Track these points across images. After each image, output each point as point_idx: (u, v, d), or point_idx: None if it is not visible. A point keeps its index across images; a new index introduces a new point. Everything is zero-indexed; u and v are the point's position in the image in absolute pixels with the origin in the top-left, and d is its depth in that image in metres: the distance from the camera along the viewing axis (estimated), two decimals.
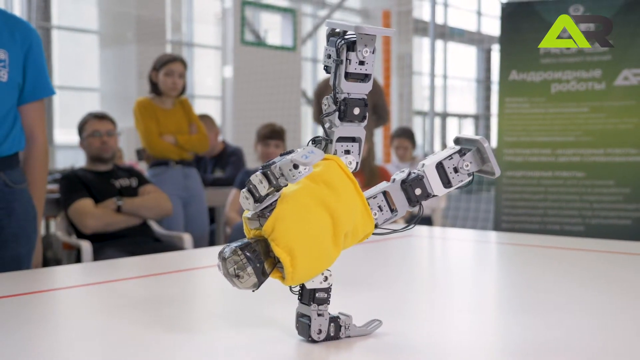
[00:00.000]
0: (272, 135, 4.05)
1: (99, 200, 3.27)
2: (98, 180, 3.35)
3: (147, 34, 7.39)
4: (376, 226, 0.94)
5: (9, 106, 1.97)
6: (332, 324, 0.94)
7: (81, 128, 3.41)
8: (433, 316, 1.18)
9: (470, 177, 0.95)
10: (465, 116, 16.07)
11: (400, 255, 1.99)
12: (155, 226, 3.53)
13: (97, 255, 3.15)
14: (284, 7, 8.68)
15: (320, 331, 0.93)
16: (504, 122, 4.04)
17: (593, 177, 3.82)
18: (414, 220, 0.97)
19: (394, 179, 0.95)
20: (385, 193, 0.94)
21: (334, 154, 0.92)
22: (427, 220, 4.58)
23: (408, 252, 2.06)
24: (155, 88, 3.87)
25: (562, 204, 3.86)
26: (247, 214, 0.89)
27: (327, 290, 0.93)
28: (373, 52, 0.90)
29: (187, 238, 3.50)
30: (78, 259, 3.23)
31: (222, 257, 0.87)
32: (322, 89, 5.43)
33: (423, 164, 0.95)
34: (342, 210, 0.89)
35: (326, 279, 0.92)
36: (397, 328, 1.03)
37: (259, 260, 0.87)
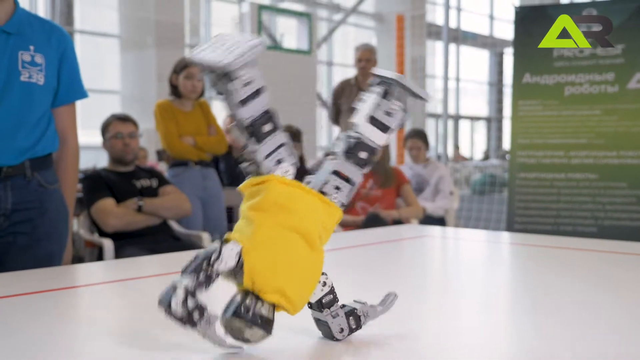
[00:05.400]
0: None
1: (120, 200, 3.32)
2: (120, 180, 3.40)
3: (167, 38, 7.49)
4: (344, 205, 0.91)
5: (44, 109, 2.01)
6: (350, 318, 0.93)
7: (104, 129, 3.45)
8: (444, 316, 1.17)
9: (405, 112, 0.92)
10: (478, 118, 16.06)
11: (413, 256, 1.98)
12: (174, 225, 3.59)
13: (119, 253, 3.19)
14: (300, 11, 8.75)
15: (342, 330, 0.93)
16: (517, 125, 4.08)
17: (606, 179, 3.85)
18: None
19: (335, 152, 0.92)
20: (334, 172, 0.91)
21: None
22: (441, 221, 4.62)
23: (421, 252, 2.05)
24: (175, 90, 3.94)
25: (575, 205, 3.89)
26: (223, 273, 0.85)
27: (332, 292, 0.91)
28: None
29: (205, 237, 3.56)
30: (100, 256, 3.29)
31: (224, 326, 0.85)
32: (339, 91, 5.50)
33: (355, 124, 0.91)
34: (305, 222, 0.86)
35: (324, 284, 0.90)
36: (409, 328, 1.04)
37: (256, 315, 0.84)
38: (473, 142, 16.07)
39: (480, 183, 7.75)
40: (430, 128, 12.38)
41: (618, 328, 1.07)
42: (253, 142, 0.85)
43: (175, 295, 0.80)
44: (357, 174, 0.91)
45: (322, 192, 0.89)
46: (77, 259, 3.59)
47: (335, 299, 0.91)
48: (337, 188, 0.90)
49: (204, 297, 0.82)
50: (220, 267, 0.82)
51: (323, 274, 0.90)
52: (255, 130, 0.85)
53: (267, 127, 0.85)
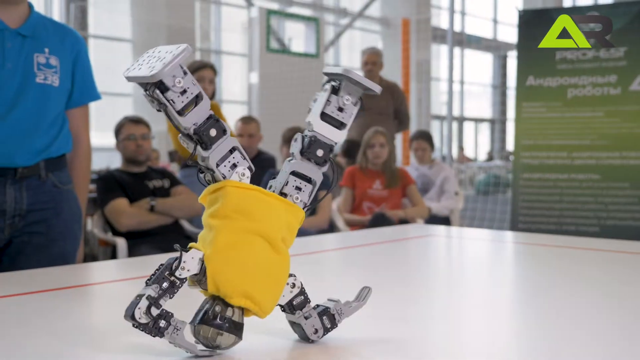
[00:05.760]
0: None
1: (133, 200, 3.38)
2: (133, 181, 3.46)
3: (177, 42, 7.52)
4: (307, 205, 0.90)
5: (58, 110, 2.04)
6: (324, 318, 0.91)
7: (117, 131, 3.51)
8: (449, 315, 1.17)
9: (358, 104, 0.91)
10: (482, 120, 16.11)
11: (419, 255, 2.00)
12: (186, 225, 3.66)
13: (132, 252, 3.26)
14: (308, 16, 8.86)
15: (316, 331, 0.91)
16: (521, 126, 4.13)
17: (608, 180, 3.89)
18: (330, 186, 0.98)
19: (292, 153, 0.90)
20: (293, 172, 0.89)
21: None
22: (446, 221, 4.68)
23: (426, 252, 2.07)
24: None
25: (578, 205, 3.94)
26: (187, 280, 0.85)
27: (302, 292, 0.90)
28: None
29: None
30: (113, 255, 3.34)
31: (193, 333, 0.84)
32: None
33: (309, 123, 0.89)
34: (266, 224, 0.85)
35: (294, 285, 0.89)
36: (413, 326, 1.05)
37: (225, 320, 0.84)
38: (477, 144, 16.12)
39: (485, 183, 7.82)
40: (435, 130, 12.45)
41: (621, 326, 1.08)
42: (202, 149, 0.84)
43: (139, 306, 0.80)
44: (316, 173, 0.90)
45: (283, 194, 0.88)
46: (91, 257, 3.66)
47: (306, 300, 0.90)
48: (298, 188, 0.89)
49: (169, 305, 0.82)
50: (182, 274, 0.82)
51: (291, 275, 0.89)
52: (201, 137, 0.83)
53: (213, 132, 0.83)
